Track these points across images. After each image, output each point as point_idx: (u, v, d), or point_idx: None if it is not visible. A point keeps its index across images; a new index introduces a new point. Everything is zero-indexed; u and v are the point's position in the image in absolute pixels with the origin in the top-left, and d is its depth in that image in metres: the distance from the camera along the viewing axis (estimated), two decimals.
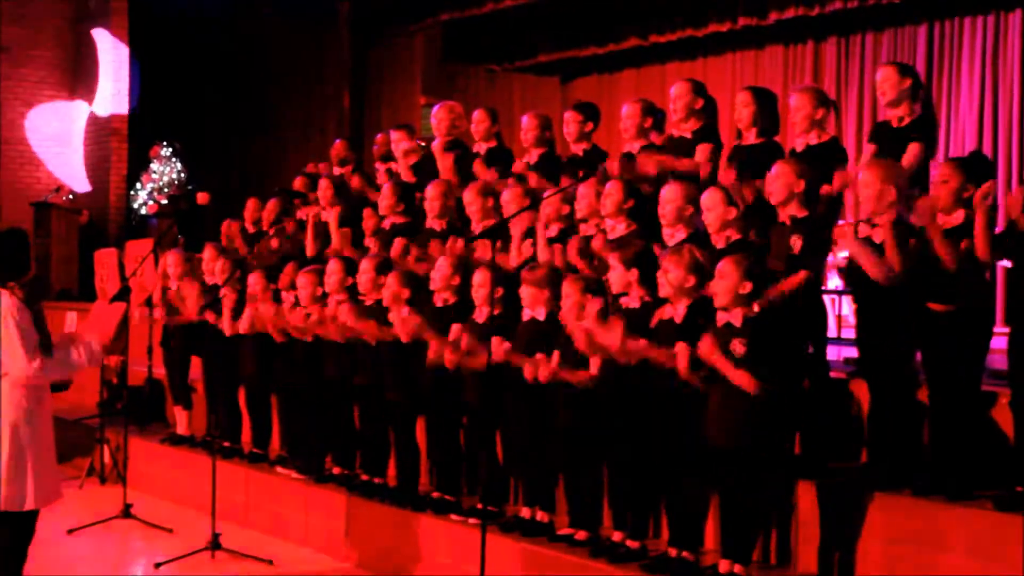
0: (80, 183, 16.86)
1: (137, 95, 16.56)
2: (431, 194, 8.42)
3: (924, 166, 6.68)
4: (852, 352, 7.14)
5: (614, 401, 6.52)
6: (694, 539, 6.30)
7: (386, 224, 8.91)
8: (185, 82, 16.92)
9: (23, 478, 5.93)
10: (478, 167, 8.71)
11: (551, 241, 7.48)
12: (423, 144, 9.94)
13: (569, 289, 6.68)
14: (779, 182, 6.44)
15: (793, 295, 6.24)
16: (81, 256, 15.74)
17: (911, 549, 5.90)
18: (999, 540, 5.59)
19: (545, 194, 7.55)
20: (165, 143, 16.22)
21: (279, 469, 8.96)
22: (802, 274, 6.24)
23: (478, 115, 8.94)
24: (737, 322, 5.94)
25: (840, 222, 7.10)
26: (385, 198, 8.86)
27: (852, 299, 6.67)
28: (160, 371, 10.66)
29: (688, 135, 7.48)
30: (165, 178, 16.09)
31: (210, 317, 9.42)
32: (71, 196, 16.55)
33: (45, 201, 16.01)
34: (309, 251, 9.62)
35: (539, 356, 6.79)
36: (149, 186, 16.10)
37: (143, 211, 15.98)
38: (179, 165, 16.20)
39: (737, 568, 5.96)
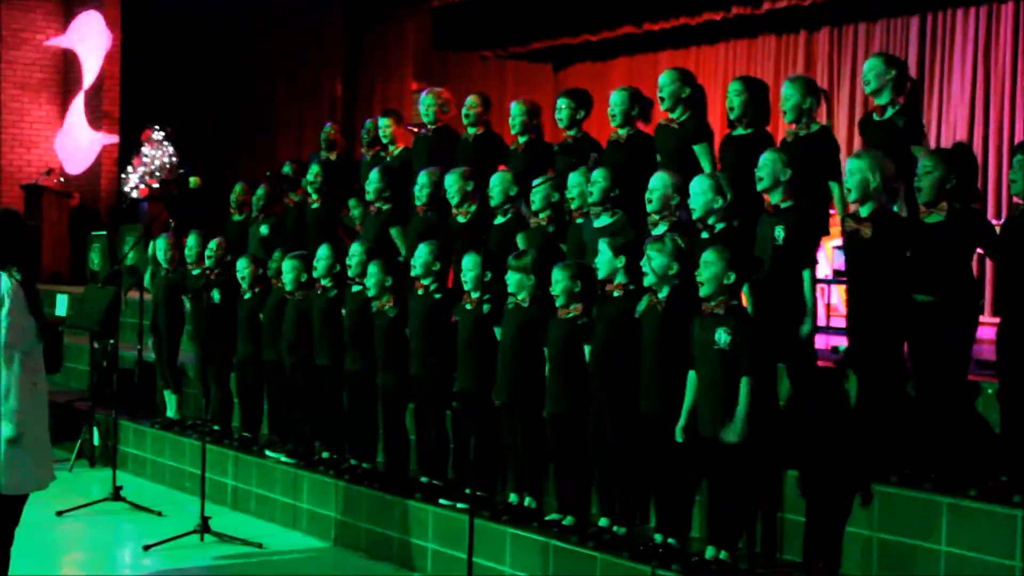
0: (72, 165, 16.84)
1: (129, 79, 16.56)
2: (421, 181, 8.44)
3: (908, 157, 6.69)
4: (840, 340, 7.17)
5: (602, 387, 6.55)
6: (681, 526, 6.33)
7: (373, 209, 8.92)
8: (177, 67, 16.90)
9: (24, 461, 5.94)
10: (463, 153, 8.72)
11: (540, 227, 7.50)
12: (412, 130, 9.94)
13: (559, 275, 6.70)
14: (766, 170, 6.46)
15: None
16: (72, 239, 15.73)
17: (897, 539, 5.94)
18: (985, 530, 5.63)
19: (535, 181, 7.57)
20: (157, 127, 16.19)
21: (268, 453, 8.97)
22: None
23: (469, 100, 8.93)
24: (721, 311, 5.96)
25: (831, 213, 7.15)
26: (373, 183, 8.86)
27: (843, 289, 6.68)
28: (150, 355, 10.66)
29: (676, 124, 7.49)
30: (156, 162, 16.06)
31: (200, 301, 9.43)
32: (62, 179, 16.53)
33: (36, 184, 15.99)
34: (296, 237, 9.64)
35: None
36: (140, 170, 16.08)
37: (134, 195, 15.95)
38: (171, 149, 16.17)
39: (723, 555, 5.99)
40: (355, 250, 8.18)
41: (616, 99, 7.69)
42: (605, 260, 6.55)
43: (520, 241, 7.64)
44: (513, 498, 7.26)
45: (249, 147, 17.13)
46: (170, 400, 10.46)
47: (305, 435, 8.81)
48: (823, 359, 6.99)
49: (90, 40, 16.65)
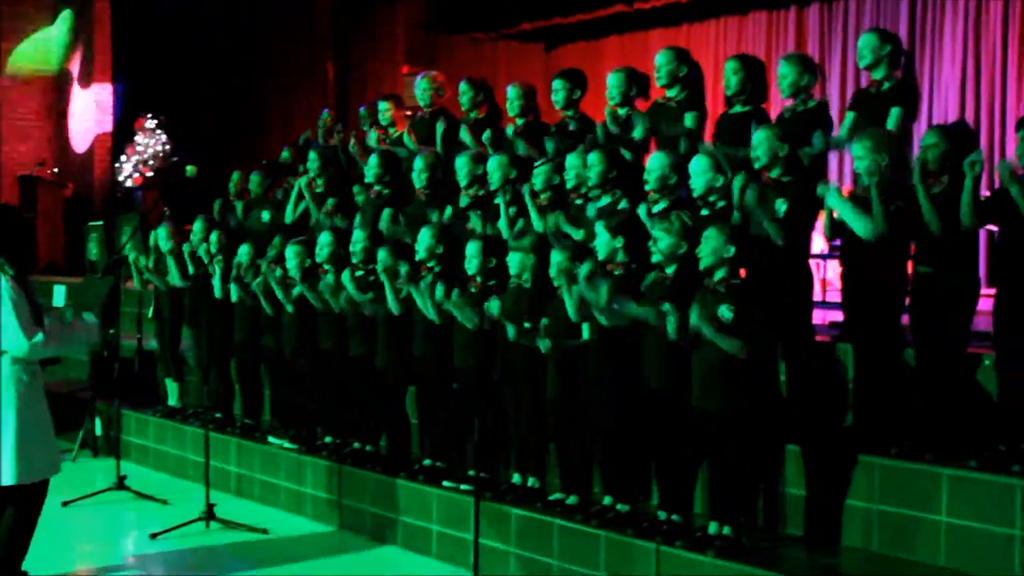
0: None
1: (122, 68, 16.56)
2: (419, 164, 8.47)
3: (905, 131, 6.75)
4: (837, 316, 7.22)
5: (604, 366, 6.60)
6: (684, 502, 6.39)
7: (373, 194, 8.96)
8: (169, 55, 16.89)
9: (30, 451, 6.07)
10: (465, 136, 8.75)
11: (541, 209, 7.54)
12: (409, 114, 9.97)
13: (558, 256, 6.74)
14: (764, 146, 6.51)
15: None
16: (67, 229, 15.75)
17: (897, 510, 6.00)
18: (984, 500, 5.69)
19: (536, 163, 7.61)
20: (150, 115, 16.19)
21: (271, 439, 9.02)
22: None
23: (463, 86, 8.96)
24: (723, 288, 6.01)
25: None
26: (372, 168, 8.89)
27: (839, 263, 6.73)
28: (151, 344, 10.70)
29: (673, 103, 7.53)
30: (150, 150, 16.07)
31: (200, 289, 9.47)
32: (55, 170, 16.54)
33: (30, 175, 16.00)
34: (288, 219, 9.66)
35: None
36: (134, 158, 16.08)
37: (128, 184, 15.96)
38: (164, 137, 16.18)
39: (726, 530, 6.06)
40: (358, 236, 8.22)
41: (613, 80, 7.73)
42: (603, 242, 6.58)
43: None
44: (516, 478, 7.31)
45: (242, 133, 17.13)
46: (171, 388, 10.50)
47: (307, 420, 8.86)
48: (821, 334, 7.04)
49: (82, 30, 16.66)
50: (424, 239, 7.68)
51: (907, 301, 6.23)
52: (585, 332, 6.71)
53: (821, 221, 6.57)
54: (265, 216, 10.02)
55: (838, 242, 6.71)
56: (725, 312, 5.95)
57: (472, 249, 7.31)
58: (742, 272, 6.13)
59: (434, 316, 7.54)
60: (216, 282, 9.34)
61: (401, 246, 7.96)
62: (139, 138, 16.12)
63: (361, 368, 8.22)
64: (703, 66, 7.92)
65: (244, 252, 9.26)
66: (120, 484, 9.07)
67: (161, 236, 10.21)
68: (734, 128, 7.11)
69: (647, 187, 6.82)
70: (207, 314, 9.67)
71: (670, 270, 6.31)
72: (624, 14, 14.80)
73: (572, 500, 6.89)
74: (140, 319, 10.20)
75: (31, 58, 16.80)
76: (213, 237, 9.58)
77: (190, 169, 10.23)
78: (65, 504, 8.62)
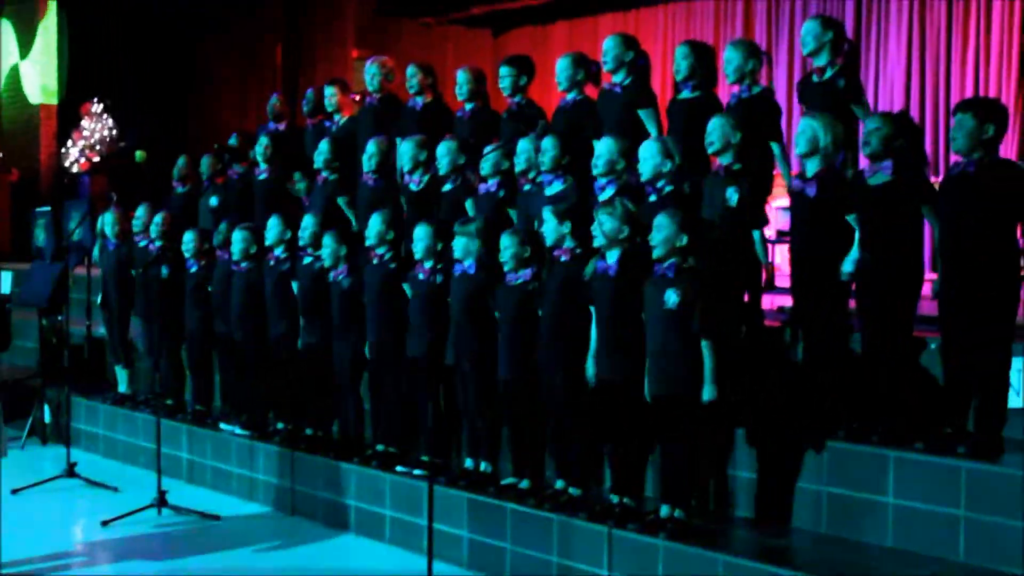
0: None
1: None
2: (369, 150, 8.48)
3: (849, 116, 6.81)
4: (785, 300, 7.30)
5: (554, 350, 6.64)
6: (635, 486, 6.45)
7: (321, 179, 8.95)
8: (116, 38, 16.72)
9: None
10: (410, 121, 8.77)
11: (490, 194, 7.57)
12: (356, 99, 9.94)
13: (507, 242, 6.77)
14: (716, 134, 6.57)
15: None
16: (12, 215, 15.61)
17: (846, 492, 6.09)
18: (930, 482, 5.79)
19: (486, 149, 7.64)
20: (96, 99, 16.05)
21: (223, 426, 9.01)
22: None
23: (411, 71, 8.97)
24: (672, 273, 6.06)
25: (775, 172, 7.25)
26: (321, 154, 8.89)
27: (788, 248, 6.80)
28: (100, 330, 10.64)
29: (619, 89, 7.57)
30: (96, 135, 15.93)
31: (149, 275, 9.43)
32: (0, 154, 16.37)
33: None
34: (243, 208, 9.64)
35: None
36: (80, 143, 15.94)
37: (75, 169, 15.82)
38: (110, 122, 16.04)
39: (677, 513, 6.12)
40: (307, 221, 8.22)
41: (562, 65, 7.77)
42: (551, 228, 6.62)
43: (469, 209, 7.72)
44: (469, 463, 7.35)
45: (191, 118, 17.01)
46: (121, 375, 10.45)
47: (258, 406, 8.85)
48: (769, 319, 7.12)
49: (25, 13, 16.48)
50: (375, 225, 7.69)
51: (853, 286, 6.31)
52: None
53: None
54: (213, 201, 9.98)
55: (786, 227, 6.79)
56: (671, 296, 5.99)
57: (420, 232, 7.33)
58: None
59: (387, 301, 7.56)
60: (164, 268, 9.29)
61: (346, 231, 7.99)
62: (85, 122, 15.97)
63: (314, 354, 8.22)
64: (651, 52, 7.97)
65: (190, 238, 9.23)
66: (70, 471, 9.02)
67: (107, 222, 10.16)
68: (684, 113, 7.16)
69: (595, 171, 6.87)
70: (156, 300, 9.62)
71: (612, 257, 6.33)
72: None
73: (524, 484, 6.94)
74: (89, 306, 10.11)
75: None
76: (157, 219, 9.55)
77: (139, 155, 10.15)
78: (14, 492, 8.56)
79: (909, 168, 6.09)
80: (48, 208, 13.98)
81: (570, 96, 7.78)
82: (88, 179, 15.40)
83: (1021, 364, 5.96)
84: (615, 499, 6.43)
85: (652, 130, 7.35)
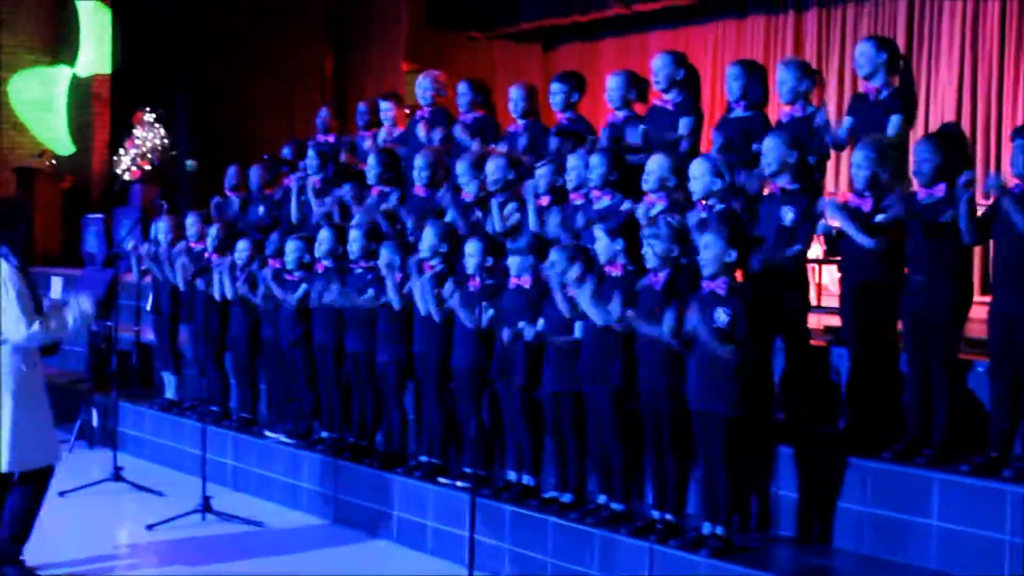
0: (63, 147, 16.86)
1: (120, 60, 16.55)
2: (419, 163, 8.53)
3: (904, 138, 6.81)
4: (832, 320, 7.29)
5: (597, 365, 6.65)
6: (677, 502, 6.46)
7: (374, 192, 9.01)
8: (167, 48, 16.89)
9: (23, 440, 6.13)
10: (461, 136, 8.83)
11: (541, 210, 7.60)
12: (409, 113, 10.03)
13: (556, 257, 6.80)
14: (773, 155, 6.56)
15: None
16: (64, 221, 15.77)
17: (889, 514, 6.07)
18: (975, 505, 5.76)
19: (537, 164, 7.68)
20: (148, 109, 16.22)
21: (268, 433, 9.07)
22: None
23: (461, 87, 9.04)
24: (722, 291, 6.07)
25: (827, 192, 7.25)
26: (372, 167, 8.95)
27: (837, 268, 6.79)
28: (148, 336, 10.74)
29: (670, 106, 7.60)
30: (148, 144, 16.09)
31: (199, 283, 9.52)
32: (53, 161, 16.55)
33: (28, 166, 16.02)
34: (294, 217, 9.70)
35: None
36: (132, 152, 16.11)
37: (126, 177, 15.99)
38: (162, 131, 16.20)
39: (719, 530, 6.12)
40: (356, 233, 8.27)
41: (614, 83, 7.81)
42: (603, 246, 6.63)
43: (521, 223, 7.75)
44: (512, 476, 7.37)
45: (240, 128, 17.14)
46: (169, 381, 10.55)
47: (304, 415, 8.92)
48: (816, 338, 7.11)
49: (84, 21, 16.68)
50: (428, 237, 7.73)
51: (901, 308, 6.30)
52: (578, 331, 6.76)
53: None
54: (262, 211, 10.07)
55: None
56: (722, 315, 6.00)
57: (471, 248, 7.37)
58: (739, 274, 6.20)
59: (435, 313, 7.59)
60: (214, 278, 9.38)
61: (402, 243, 8.04)
62: (137, 131, 16.14)
63: (360, 363, 8.27)
64: (701, 69, 7.99)
65: (242, 247, 9.31)
66: (117, 475, 9.12)
67: (161, 229, 10.27)
68: (735, 132, 7.18)
69: (645, 187, 6.89)
70: (205, 308, 9.70)
71: (664, 273, 6.35)
72: (622, 16, 14.84)
73: (567, 498, 6.96)
74: (138, 312, 10.21)
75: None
76: (212, 232, 9.64)
77: (190, 164, 10.24)
78: (62, 494, 8.65)
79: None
80: (100, 215, 14.15)
81: (620, 114, 7.82)
82: (139, 187, 15.56)
83: None
84: (657, 515, 6.44)
85: (682, 133, 7.39)
